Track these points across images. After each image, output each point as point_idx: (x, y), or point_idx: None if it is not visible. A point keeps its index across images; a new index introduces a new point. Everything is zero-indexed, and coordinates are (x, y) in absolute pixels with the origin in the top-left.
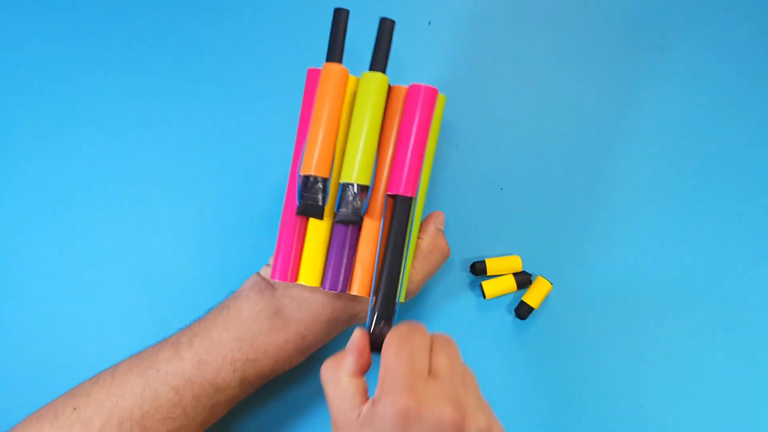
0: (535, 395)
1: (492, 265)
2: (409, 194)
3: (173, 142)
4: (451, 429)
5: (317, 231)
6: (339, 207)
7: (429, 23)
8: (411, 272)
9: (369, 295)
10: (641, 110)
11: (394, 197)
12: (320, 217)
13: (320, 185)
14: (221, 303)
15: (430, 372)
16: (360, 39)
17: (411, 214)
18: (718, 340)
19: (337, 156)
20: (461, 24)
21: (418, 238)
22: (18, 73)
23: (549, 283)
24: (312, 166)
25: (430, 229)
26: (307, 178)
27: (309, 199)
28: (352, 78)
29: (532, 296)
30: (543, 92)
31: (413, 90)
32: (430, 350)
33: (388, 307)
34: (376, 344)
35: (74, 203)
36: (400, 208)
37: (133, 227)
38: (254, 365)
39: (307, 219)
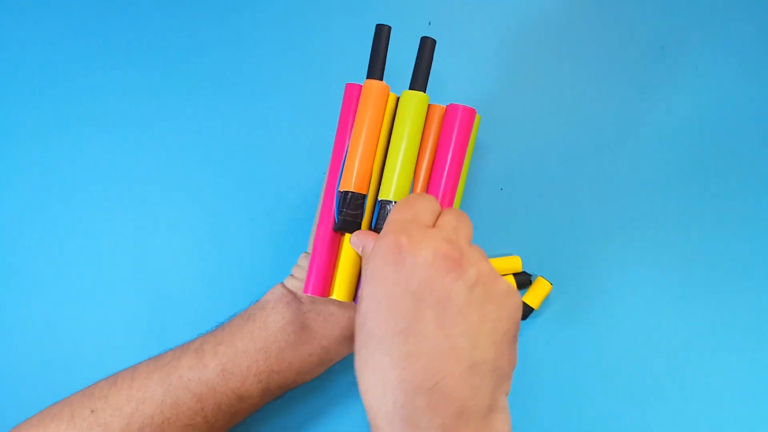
0: (535, 395)
1: (495, 266)
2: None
3: (174, 143)
4: (446, 263)
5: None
6: (376, 224)
7: (429, 24)
8: None
9: None
10: (641, 110)
11: None
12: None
13: (359, 202)
14: (245, 311)
15: (434, 225)
16: (358, 43)
17: None
18: (720, 340)
19: (374, 172)
20: (460, 25)
21: None
22: (18, 73)
23: (549, 284)
24: (351, 183)
25: None
26: (345, 194)
27: (347, 215)
28: (392, 95)
29: (532, 296)
30: (543, 92)
31: (452, 110)
32: (439, 214)
33: None
34: None
35: (74, 203)
36: None
37: (133, 227)
38: (278, 377)
39: (343, 235)
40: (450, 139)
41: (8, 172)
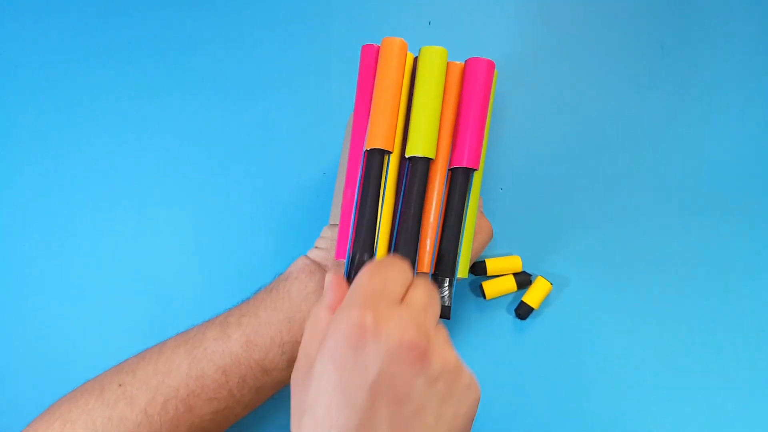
0: (535, 395)
1: (492, 265)
2: (473, 167)
3: (173, 142)
4: (410, 354)
5: (385, 209)
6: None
7: (429, 23)
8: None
9: (429, 272)
10: (641, 109)
11: (455, 170)
12: None
13: (366, 259)
14: (269, 284)
15: (402, 300)
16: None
17: (470, 187)
18: (721, 341)
19: (400, 129)
20: (461, 25)
21: None
22: (18, 73)
23: (549, 283)
24: (378, 140)
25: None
26: (353, 257)
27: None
28: (408, 55)
29: (532, 296)
30: (542, 92)
31: (472, 63)
32: (409, 285)
33: (449, 280)
34: (442, 310)
35: (74, 203)
36: (461, 182)
37: (133, 227)
38: None
39: (379, 194)
40: (473, 92)
41: (8, 171)
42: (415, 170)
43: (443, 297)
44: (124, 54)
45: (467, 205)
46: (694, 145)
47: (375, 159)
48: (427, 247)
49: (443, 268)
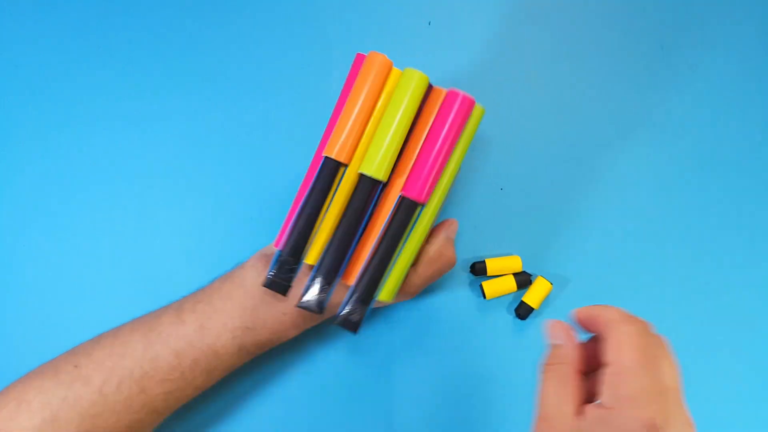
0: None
1: (492, 266)
2: (419, 200)
3: (171, 141)
4: None
5: (328, 217)
6: (303, 294)
7: (429, 23)
8: (413, 276)
9: (352, 285)
10: (641, 110)
11: (403, 198)
12: (284, 293)
13: (291, 267)
14: (226, 273)
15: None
16: (357, 44)
17: (414, 219)
18: (720, 341)
19: (363, 145)
20: (460, 25)
21: (427, 243)
22: (18, 73)
23: (549, 283)
24: (334, 150)
25: (441, 237)
26: (279, 256)
27: (276, 277)
28: (395, 71)
29: (532, 296)
30: (542, 92)
31: (450, 96)
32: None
33: (366, 298)
34: (348, 323)
35: (73, 202)
36: (404, 211)
37: (133, 226)
38: (252, 334)
39: (323, 202)
40: (443, 126)
41: (8, 170)
42: (361, 187)
43: (354, 312)
44: (124, 53)
45: (407, 236)
46: (694, 145)
47: (328, 167)
48: (358, 262)
49: (364, 286)
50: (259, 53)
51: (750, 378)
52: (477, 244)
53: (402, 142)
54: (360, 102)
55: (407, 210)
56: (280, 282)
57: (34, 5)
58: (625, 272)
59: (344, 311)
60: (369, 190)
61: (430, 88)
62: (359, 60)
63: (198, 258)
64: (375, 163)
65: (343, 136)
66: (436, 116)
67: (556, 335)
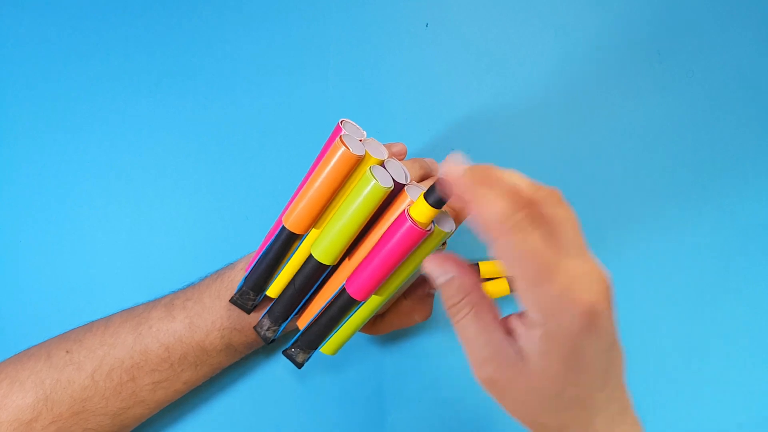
0: None
1: (485, 268)
2: (357, 298)
3: (169, 141)
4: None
5: (285, 272)
6: (260, 319)
7: (426, 26)
8: (379, 323)
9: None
10: (638, 115)
11: (343, 290)
12: (247, 312)
13: (252, 296)
14: (217, 271)
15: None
16: (354, 45)
17: (355, 308)
18: (718, 341)
19: (319, 224)
20: (458, 27)
21: (404, 297)
22: (14, 70)
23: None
24: (290, 221)
25: (418, 293)
26: (243, 286)
27: (239, 299)
28: (368, 160)
29: None
30: (538, 96)
31: (400, 220)
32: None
33: (310, 346)
34: (293, 360)
35: (70, 201)
36: (343, 300)
37: (129, 224)
38: (239, 335)
39: (278, 262)
40: (388, 242)
41: (6, 168)
42: (308, 264)
43: (299, 354)
44: (121, 51)
45: (345, 320)
46: (690, 151)
47: (283, 234)
48: (313, 310)
49: (308, 337)
50: (255, 53)
51: (752, 380)
52: (470, 248)
53: (353, 238)
54: (317, 185)
55: (347, 301)
56: (242, 304)
57: (30, 3)
58: (622, 274)
59: (291, 349)
60: (317, 268)
61: (399, 190)
62: (337, 131)
63: (193, 255)
64: (321, 249)
65: (298, 210)
66: (385, 232)
67: (444, 270)
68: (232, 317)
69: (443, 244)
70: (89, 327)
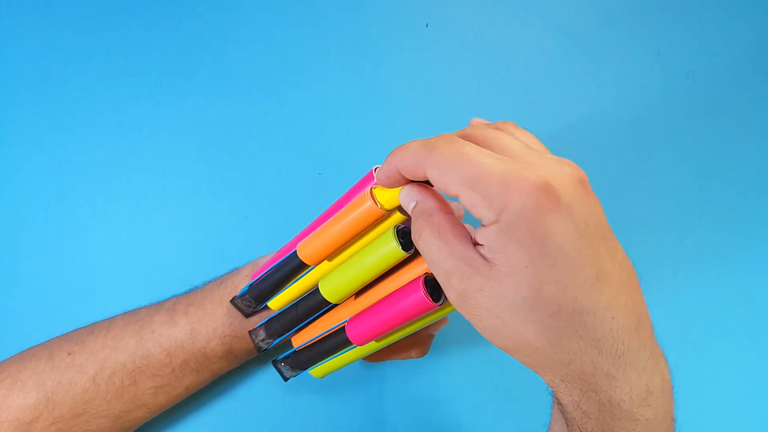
0: (536, 395)
1: None
2: (355, 342)
3: (170, 141)
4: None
5: (298, 286)
6: (256, 327)
7: (426, 26)
8: (375, 355)
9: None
10: (637, 114)
11: (342, 329)
12: (246, 317)
13: (254, 306)
14: (221, 277)
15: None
16: (355, 45)
17: (346, 348)
18: (719, 340)
19: (333, 262)
20: (458, 26)
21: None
22: (14, 71)
23: None
24: (304, 252)
25: (420, 333)
26: (245, 293)
27: (241, 303)
28: (392, 217)
29: None
30: (537, 94)
31: (413, 285)
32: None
33: (300, 366)
34: (281, 373)
35: (70, 201)
36: (340, 337)
37: (129, 224)
38: (240, 342)
39: (284, 283)
40: (396, 303)
41: (7, 167)
42: (314, 296)
43: (286, 374)
44: (121, 51)
45: (337, 354)
46: (690, 150)
47: (294, 260)
48: (310, 332)
49: (300, 359)
50: (256, 53)
51: (752, 380)
52: None
53: (364, 286)
54: (338, 228)
55: (344, 340)
56: (242, 308)
57: (30, 2)
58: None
59: (281, 363)
60: (321, 302)
61: (415, 255)
62: (369, 177)
63: (192, 256)
64: (330, 289)
65: (315, 245)
66: (397, 292)
67: (411, 197)
68: (234, 325)
69: None
70: (91, 329)
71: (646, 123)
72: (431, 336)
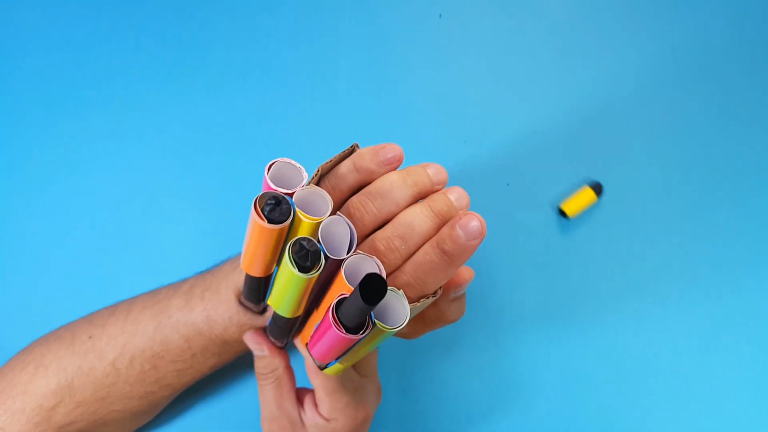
0: (537, 396)
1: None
2: (320, 361)
3: (177, 134)
4: None
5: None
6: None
7: (440, 16)
8: (403, 331)
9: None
10: (650, 110)
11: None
12: (256, 312)
13: (255, 309)
14: (237, 256)
15: None
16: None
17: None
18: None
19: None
20: (471, 18)
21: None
22: (22, 66)
23: (594, 194)
24: (245, 267)
25: (443, 298)
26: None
27: (247, 303)
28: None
29: (572, 204)
30: (549, 89)
31: (326, 320)
32: None
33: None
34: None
35: (72, 197)
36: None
37: (134, 219)
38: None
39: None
40: (323, 334)
41: (11, 163)
42: (277, 317)
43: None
44: (131, 41)
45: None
46: (704, 146)
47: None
48: (302, 336)
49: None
50: (267, 45)
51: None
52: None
53: (301, 302)
54: (251, 240)
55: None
56: (251, 307)
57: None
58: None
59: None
60: (284, 322)
61: (341, 264)
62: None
63: (199, 248)
64: (277, 306)
65: (246, 254)
66: (320, 325)
67: (261, 348)
68: (248, 313)
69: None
70: (113, 310)
71: (660, 117)
72: (456, 299)
